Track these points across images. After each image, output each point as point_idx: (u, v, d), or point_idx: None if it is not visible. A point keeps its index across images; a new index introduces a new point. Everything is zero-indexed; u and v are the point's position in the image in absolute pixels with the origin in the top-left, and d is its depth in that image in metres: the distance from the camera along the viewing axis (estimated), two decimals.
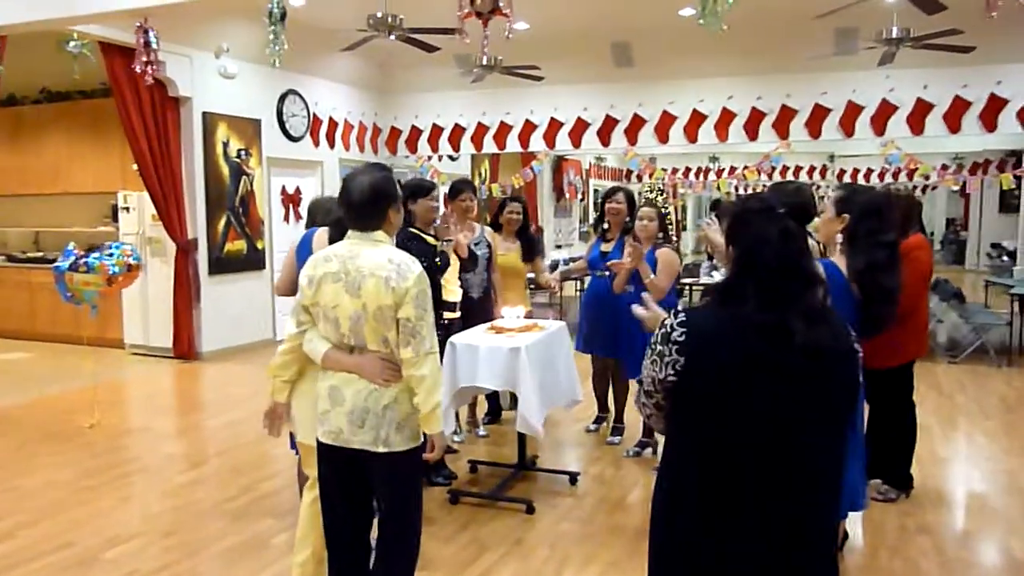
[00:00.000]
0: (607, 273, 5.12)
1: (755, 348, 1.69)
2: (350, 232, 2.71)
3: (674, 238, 21.05)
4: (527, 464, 4.67)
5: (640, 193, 21.26)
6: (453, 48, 8.48)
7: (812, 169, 16.64)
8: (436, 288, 4.40)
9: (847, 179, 16.50)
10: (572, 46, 9.47)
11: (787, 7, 7.63)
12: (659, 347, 1.79)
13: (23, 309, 9.71)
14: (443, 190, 5.68)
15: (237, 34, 8.35)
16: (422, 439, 2.75)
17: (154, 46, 4.87)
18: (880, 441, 4.29)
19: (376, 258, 2.60)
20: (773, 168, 10.15)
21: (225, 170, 8.65)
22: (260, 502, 4.35)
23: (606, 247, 5.27)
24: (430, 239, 4.47)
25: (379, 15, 6.32)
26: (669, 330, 1.78)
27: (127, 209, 8.77)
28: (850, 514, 3.59)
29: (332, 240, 3.24)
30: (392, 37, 6.50)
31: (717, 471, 1.73)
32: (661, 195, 21.18)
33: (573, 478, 4.60)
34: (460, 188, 5.29)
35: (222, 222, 8.62)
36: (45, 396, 6.89)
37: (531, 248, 5.64)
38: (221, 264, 8.61)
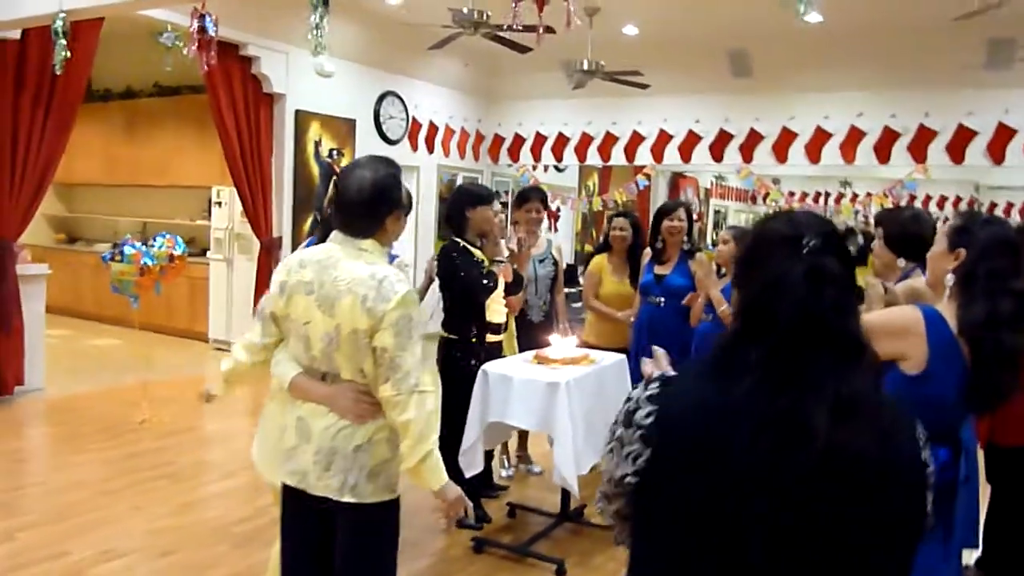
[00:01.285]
0: (661, 301, 4.50)
1: (754, 449, 1.11)
2: (334, 234, 2.28)
3: None
4: (571, 514, 4.10)
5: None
6: (556, 53, 8.04)
7: (958, 200, 15.03)
8: (480, 309, 3.95)
9: (999, 214, 14.84)
10: (685, 53, 8.83)
11: (930, 12, 6.73)
12: (620, 429, 1.24)
13: (120, 297, 9.89)
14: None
15: (336, 31, 8.17)
16: (399, 492, 2.28)
17: (210, 32, 4.65)
18: (1004, 535, 3.48)
19: (357, 271, 2.15)
20: (913, 196, 9.10)
21: (315, 170, 8.50)
22: (271, 527, 3.96)
23: (661, 269, 4.63)
24: (478, 254, 4.01)
25: (464, 11, 5.93)
26: (634, 406, 1.23)
27: (219, 204, 8.79)
28: None
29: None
30: (479, 35, 6.09)
31: None
32: None
33: None
34: (527, 195, 4.82)
35: (308, 222, 8.46)
36: (117, 386, 6.86)
37: (635, 274, 4.86)
38: None
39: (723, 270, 4.36)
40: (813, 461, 1.08)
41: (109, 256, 5.20)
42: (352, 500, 2.19)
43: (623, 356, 4.08)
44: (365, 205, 2.20)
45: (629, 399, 1.25)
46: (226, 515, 4.13)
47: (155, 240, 5.30)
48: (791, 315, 1.14)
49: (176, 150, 9.76)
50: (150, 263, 5.11)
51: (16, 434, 5.54)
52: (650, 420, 1.20)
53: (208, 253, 9.19)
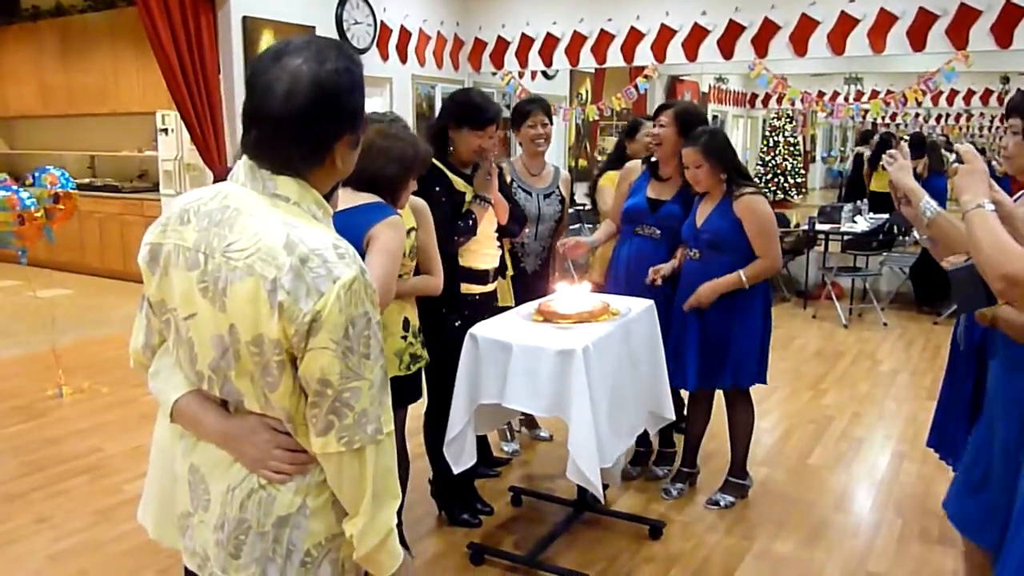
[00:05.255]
0: (657, 232, 3.45)
1: None
2: (240, 163, 1.31)
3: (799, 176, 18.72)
4: (589, 502, 3.26)
5: (766, 121, 18.97)
6: None
7: (987, 95, 13.63)
8: (452, 258, 3.01)
9: None
10: None
11: None
12: None
13: (72, 241, 8.90)
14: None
15: None
16: None
17: None
18: None
19: (265, 233, 1.22)
20: (941, 92, 8.06)
21: None
22: None
23: (659, 192, 3.49)
24: (460, 184, 3.06)
25: None
26: None
27: (165, 131, 7.72)
28: None
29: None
30: None
31: None
32: (790, 123, 18.84)
33: (656, 529, 3.17)
34: (527, 110, 3.66)
35: None
36: (52, 348, 5.94)
37: None
38: None
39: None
40: None
41: None
42: None
43: (650, 301, 3.15)
44: (298, 120, 1.23)
45: None
46: None
47: (34, 177, 4.30)
48: None
49: (115, 73, 8.61)
50: (31, 207, 4.12)
51: None
52: None
53: (161, 187, 8.16)
